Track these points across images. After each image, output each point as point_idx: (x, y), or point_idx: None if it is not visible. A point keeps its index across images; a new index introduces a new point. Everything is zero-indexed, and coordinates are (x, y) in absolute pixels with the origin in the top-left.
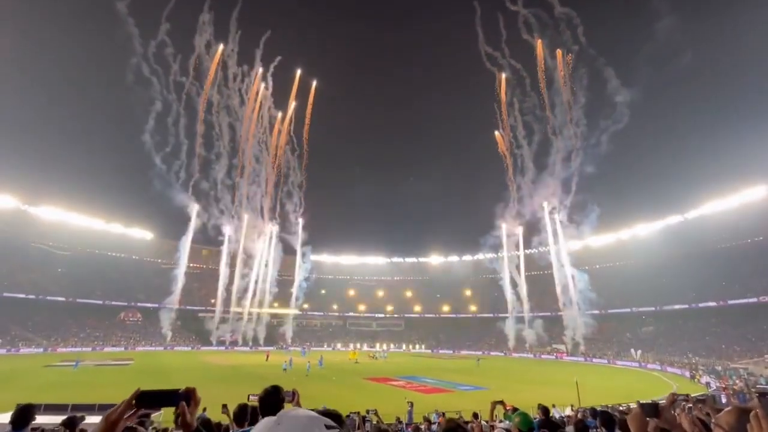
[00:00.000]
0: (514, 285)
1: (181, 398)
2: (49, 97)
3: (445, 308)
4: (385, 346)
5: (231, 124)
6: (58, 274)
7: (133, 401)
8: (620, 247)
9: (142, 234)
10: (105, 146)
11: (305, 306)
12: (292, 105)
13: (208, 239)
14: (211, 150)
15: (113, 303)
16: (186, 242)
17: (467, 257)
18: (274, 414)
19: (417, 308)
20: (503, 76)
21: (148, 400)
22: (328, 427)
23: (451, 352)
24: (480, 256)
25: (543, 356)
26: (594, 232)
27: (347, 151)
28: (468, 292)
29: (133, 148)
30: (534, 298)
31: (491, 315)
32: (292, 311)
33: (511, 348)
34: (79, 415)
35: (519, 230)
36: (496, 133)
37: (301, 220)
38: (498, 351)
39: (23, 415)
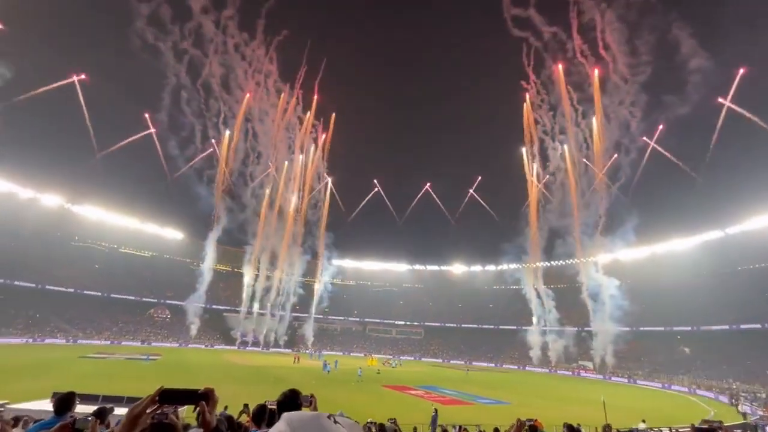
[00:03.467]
0: (539, 297)
1: (201, 398)
2: (87, 100)
3: (467, 318)
4: (392, 355)
5: (253, 126)
6: (95, 270)
7: (156, 398)
8: (654, 262)
9: (173, 234)
10: (138, 145)
11: (326, 310)
12: (295, 92)
13: (235, 240)
14: (239, 154)
15: (144, 299)
16: (212, 243)
17: (490, 267)
18: None
19: (437, 317)
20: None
21: (170, 398)
22: (330, 416)
23: (463, 362)
24: (504, 266)
25: (560, 372)
26: (626, 244)
27: (367, 153)
28: (490, 303)
29: (165, 147)
30: (560, 311)
31: (514, 327)
32: (312, 314)
33: (536, 362)
34: (108, 406)
35: (545, 239)
36: (524, 108)
37: (324, 224)
38: (517, 364)
39: (64, 403)
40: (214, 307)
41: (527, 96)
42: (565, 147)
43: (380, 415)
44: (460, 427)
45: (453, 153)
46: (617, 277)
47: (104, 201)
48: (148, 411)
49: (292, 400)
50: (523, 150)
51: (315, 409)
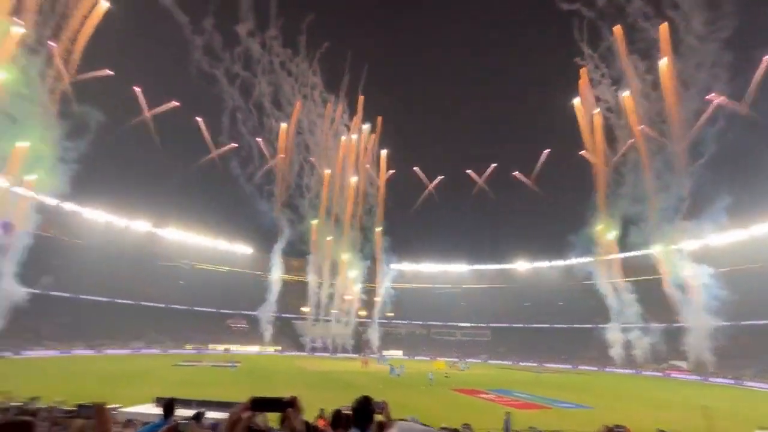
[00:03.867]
0: (615, 292)
1: (287, 405)
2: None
3: (535, 317)
4: (458, 358)
5: (303, 135)
6: (179, 287)
7: (249, 405)
8: (754, 246)
9: (243, 249)
10: (205, 167)
11: (390, 314)
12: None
13: (298, 251)
14: (294, 166)
15: (222, 311)
16: (278, 255)
17: (558, 262)
18: (366, 423)
19: (503, 317)
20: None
21: (259, 405)
22: None
23: (536, 364)
24: (572, 260)
25: (647, 372)
26: (717, 228)
27: (416, 153)
28: (560, 300)
29: (227, 167)
30: (642, 305)
31: (589, 325)
32: (376, 319)
33: (619, 362)
34: (202, 411)
35: (618, 228)
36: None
37: (381, 229)
38: (595, 365)
39: (169, 407)
40: (283, 315)
41: (582, 73)
42: (626, 100)
43: (453, 419)
44: None
45: (506, 145)
46: (709, 265)
47: (182, 222)
48: (243, 416)
49: (365, 406)
50: (582, 128)
51: (387, 415)
